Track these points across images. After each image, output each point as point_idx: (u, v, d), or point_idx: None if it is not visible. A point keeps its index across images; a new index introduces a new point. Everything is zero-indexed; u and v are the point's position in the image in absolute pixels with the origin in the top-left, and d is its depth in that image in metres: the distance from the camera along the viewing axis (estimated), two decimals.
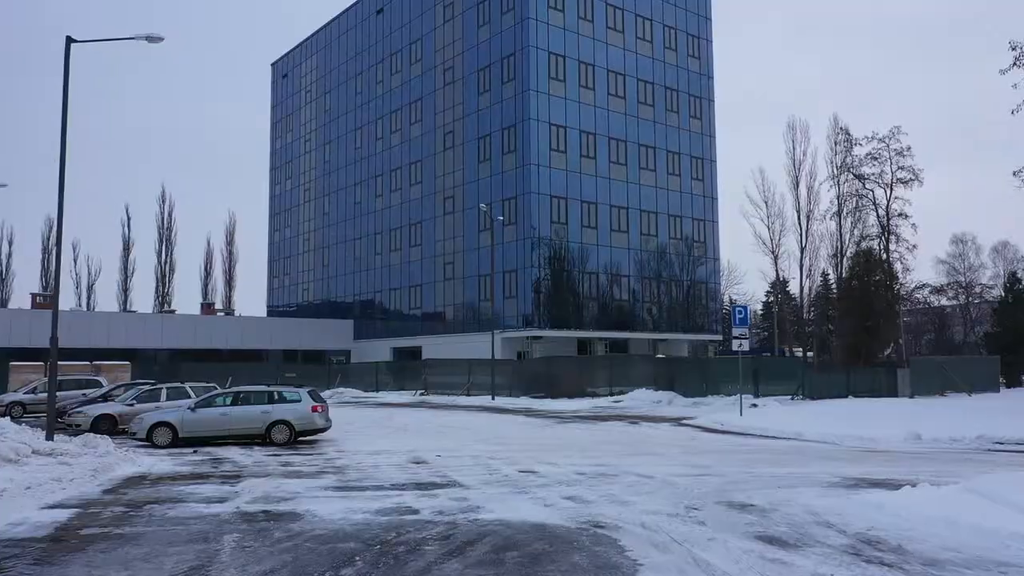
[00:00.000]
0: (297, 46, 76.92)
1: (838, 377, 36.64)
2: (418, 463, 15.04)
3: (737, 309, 24.32)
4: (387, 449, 17.45)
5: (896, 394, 38.88)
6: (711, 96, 60.60)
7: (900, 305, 46.39)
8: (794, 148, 69.49)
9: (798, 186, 68.93)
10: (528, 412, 30.55)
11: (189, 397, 21.32)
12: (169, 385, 23.50)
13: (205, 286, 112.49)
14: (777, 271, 74.94)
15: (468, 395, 41.10)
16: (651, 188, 55.64)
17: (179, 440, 18.31)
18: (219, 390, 20.58)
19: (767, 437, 19.83)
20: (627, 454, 16.26)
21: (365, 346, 63.04)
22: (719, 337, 59.85)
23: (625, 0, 55.17)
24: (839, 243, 65.38)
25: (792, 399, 34.45)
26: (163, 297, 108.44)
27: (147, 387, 23.37)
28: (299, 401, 18.95)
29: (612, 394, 37.54)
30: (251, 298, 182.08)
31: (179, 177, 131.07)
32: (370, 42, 65.72)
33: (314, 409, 18.92)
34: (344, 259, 68.04)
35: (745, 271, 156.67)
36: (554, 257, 49.93)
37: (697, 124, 59.30)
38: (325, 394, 43.50)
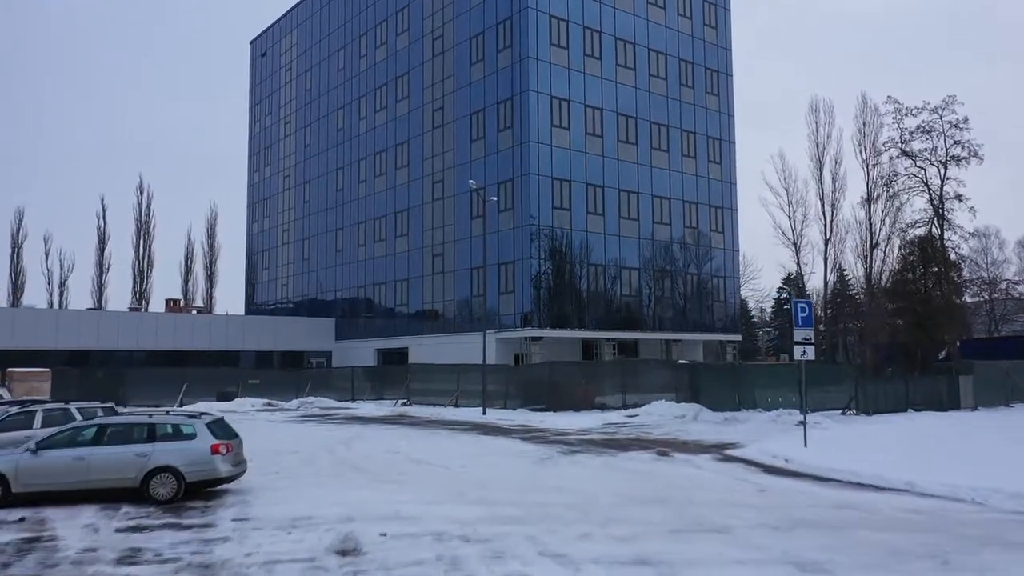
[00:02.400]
0: (276, 21, 71.03)
1: (895, 387, 30.83)
2: (344, 555, 9.24)
3: (800, 306, 18.55)
4: (312, 515, 11.60)
5: (958, 405, 33.16)
6: (729, 70, 54.73)
7: (963, 300, 40.59)
8: (817, 130, 63.53)
9: (822, 172, 62.93)
10: (526, 432, 24.77)
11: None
12: (48, 407, 17.66)
13: (186, 282, 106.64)
14: (799, 263, 69.14)
15: (456, 406, 35.35)
16: (664, 171, 49.78)
17: (11, 497, 12.50)
18: (81, 421, 14.72)
19: (864, 486, 14.00)
20: (677, 529, 10.48)
21: (347, 347, 57.23)
22: (738, 337, 53.97)
23: (637, 47, 49.14)
24: (869, 233, 59.58)
25: (843, 413, 28.68)
26: (141, 294, 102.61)
27: (16, 409, 17.49)
28: (193, 437, 13.11)
29: (625, 406, 31.78)
30: (235, 295, 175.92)
31: (159, 167, 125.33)
32: (353, 12, 59.83)
33: (215, 450, 13.06)
34: (325, 251, 62.18)
35: (761, 266, 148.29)
36: (555, 248, 44.10)
37: (714, 101, 53.44)
38: (292, 404, 37.76)
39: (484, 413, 30.90)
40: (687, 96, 51.65)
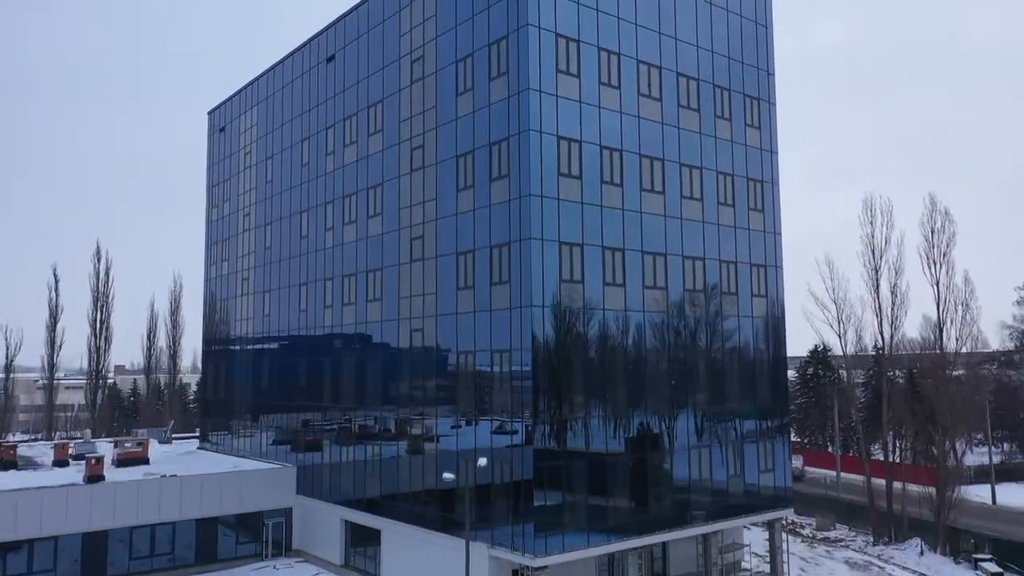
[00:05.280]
0: (235, 94, 61.12)
1: None
2: None
3: None
4: None
5: None
6: (774, 178, 44.88)
7: None
8: (873, 233, 53.88)
9: (879, 284, 53.15)
10: None
11: None
12: None
13: (148, 359, 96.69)
14: (849, 383, 59.13)
15: None
16: (693, 333, 39.91)
17: None
18: None
19: None
20: None
21: (310, 507, 47.17)
22: (787, 512, 43.95)
23: (664, 71, 39.49)
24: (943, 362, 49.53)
25: None
26: (97, 374, 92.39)
27: None
28: None
29: None
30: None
31: (121, 233, 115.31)
32: (319, 99, 49.89)
33: None
34: (285, 382, 52.24)
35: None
36: (561, 429, 34.10)
37: (758, 219, 43.57)
38: None
39: None
40: (726, 216, 41.78)
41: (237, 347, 58.61)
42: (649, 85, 38.64)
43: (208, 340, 63.92)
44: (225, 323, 60.38)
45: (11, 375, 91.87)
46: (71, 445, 56.16)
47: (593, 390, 34.96)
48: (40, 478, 47.16)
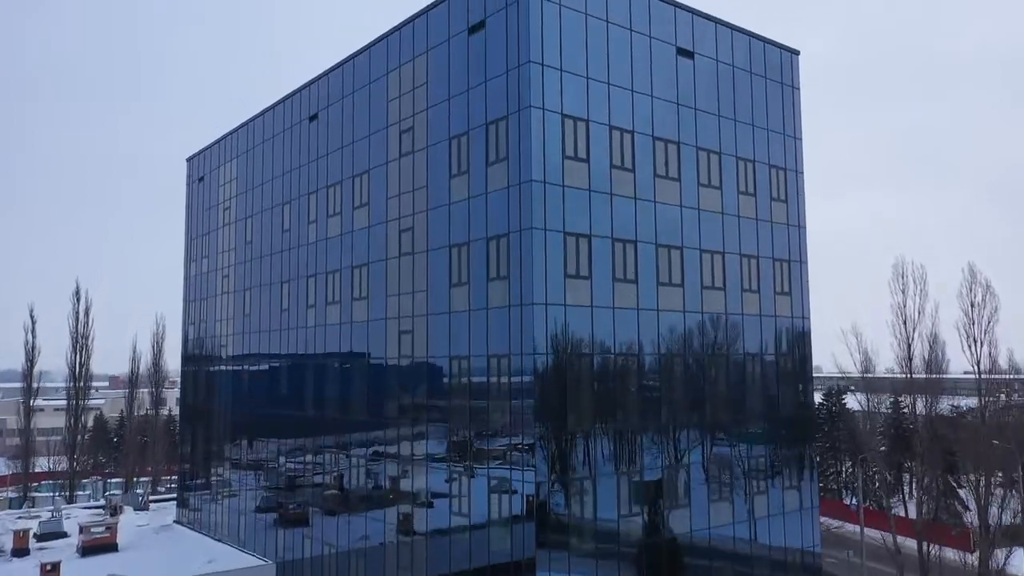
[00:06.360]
0: (215, 142, 56.87)
1: None
2: None
3: None
4: None
5: None
6: (802, 257, 40.66)
7: None
8: (905, 303, 49.68)
9: (911, 358, 49.01)
10: None
11: None
12: None
13: (130, 407, 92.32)
14: (887, 494, 54.70)
15: None
16: (715, 422, 35.78)
17: None
18: None
19: None
20: None
21: None
22: None
23: (683, 147, 35.26)
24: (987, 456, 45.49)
25: None
26: (76, 418, 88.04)
27: None
28: None
29: None
30: None
31: (123, 230, 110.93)
32: (301, 160, 45.69)
33: None
34: (264, 461, 47.98)
35: None
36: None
37: (784, 304, 39.35)
38: None
39: None
40: (751, 305, 37.55)
41: (215, 416, 54.37)
42: (666, 164, 34.45)
43: (185, 405, 59.71)
44: (203, 390, 56.15)
45: None
46: (33, 529, 51.87)
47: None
48: None
